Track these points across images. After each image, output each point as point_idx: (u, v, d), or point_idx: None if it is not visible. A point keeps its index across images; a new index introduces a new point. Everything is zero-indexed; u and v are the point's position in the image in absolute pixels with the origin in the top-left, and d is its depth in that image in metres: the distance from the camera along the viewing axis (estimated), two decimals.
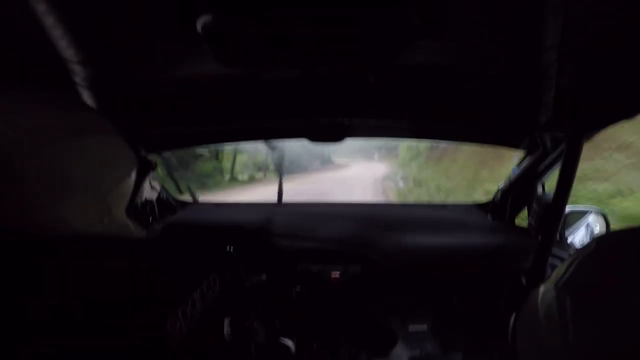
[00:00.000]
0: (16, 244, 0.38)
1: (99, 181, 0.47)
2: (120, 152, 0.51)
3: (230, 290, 0.51)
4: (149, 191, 0.63)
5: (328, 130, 1.15)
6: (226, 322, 0.52)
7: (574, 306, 0.30)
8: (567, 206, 0.88)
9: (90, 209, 0.46)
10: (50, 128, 0.43)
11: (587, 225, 1.14)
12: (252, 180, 11.52)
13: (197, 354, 0.42)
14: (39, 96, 0.45)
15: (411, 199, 8.26)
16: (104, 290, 0.38)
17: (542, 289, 0.35)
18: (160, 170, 1.41)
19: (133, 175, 0.53)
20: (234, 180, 10.88)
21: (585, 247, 0.34)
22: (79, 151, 0.45)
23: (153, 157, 1.31)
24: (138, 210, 0.56)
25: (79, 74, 0.63)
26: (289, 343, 0.91)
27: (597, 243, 0.34)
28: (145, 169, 0.57)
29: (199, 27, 0.54)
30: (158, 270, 0.44)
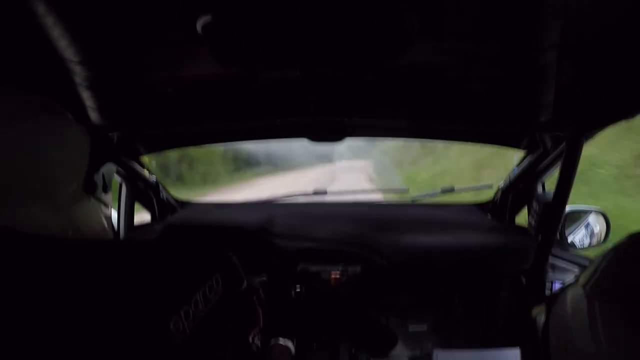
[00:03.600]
0: (16, 245, 0.38)
1: (48, 178, 0.41)
2: (72, 137, 0.45)
3: (233, 291, 0.51)
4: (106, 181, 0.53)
5: (328, 129, 1.15)
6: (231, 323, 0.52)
7: (607, 306, 0.29)
8: (567, 206, 0.88)
9: (41, 214, 0.41)
10: None
11: (587, 225, 1.14)
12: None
13: (200, 355, 0.42)
14: None
15: None
16: (106, 292, 0.38)
17: (572, 288, 0.34)
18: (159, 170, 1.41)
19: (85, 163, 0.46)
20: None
21: (617, 245, 0.32)
22: (13, 141, 0.38)
23: (150, 157, 1.31)
24: (95, 194, 0.50)
25: (79, 74, 0.63)
26: (289, 343, 0.91)
27: (630, 239, 0.32)
28: (102, 153, 0.50)
29: (198, 27, 0.54)
30: (161, 270, 0.44)
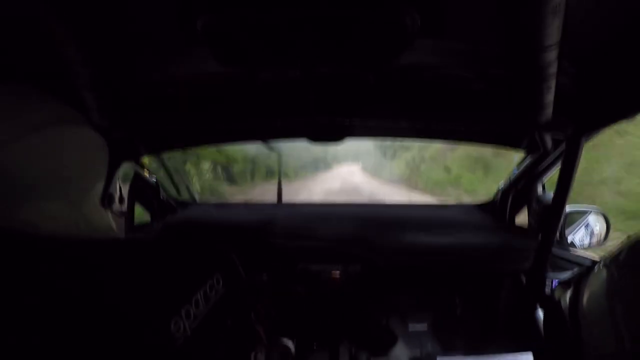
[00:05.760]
0: (18, 245, 0.38)
1: (67, 179, 0.45)
2: (90, 144, 0.49)
3: (233, 290, 0.51)
4: (124, 186, 0.60)
5: (328, 130, 1.15)
6: (229, 322, 0.52)
7: (626, 298, 0.29)
8: (567, 206, 0.88)
9: (59, 209, 0.44)
10: (5, 123, 0.40)
11: (587, 225, 1.14)
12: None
13: (200, 354, 0.42)
14: None
15: None
16: (107, 291, 0.38)
17: (600, 267, 0.34)
18: (159, 171, 1.42)
19: (104, 169, 0.51)
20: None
21: (630, 243, 0.32)
22: (42, 147, 0.42)
23: (151, 158, 1.31)
24: (112, 207, 0.54)
25: (79, 74, 0.63)
26: (289, 343, 0.91)
27: None
28: (117, 159, 0.55)
29: (199, 27, 0.54)
30: (161, 270, 0.44)
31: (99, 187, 0.51)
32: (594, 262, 0.37)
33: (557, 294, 0.41)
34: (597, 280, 0.33)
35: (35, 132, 0.43)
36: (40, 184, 0.43)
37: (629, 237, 0.33)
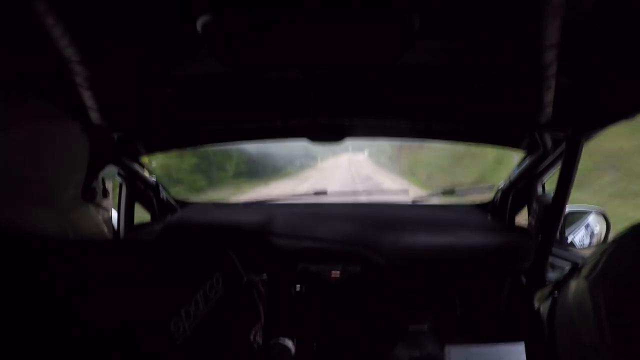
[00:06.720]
0: (17, 246, 0.38)
1: (51, 182, 0.43)
2: (75, 144, 0.46)
3: (233, 290, 0.51)
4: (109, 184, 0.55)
5: (328, 130, 1.15)
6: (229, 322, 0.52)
7: (611, 297, 0.30)
8: (567, 206, 0.88)
9: (43, 215, 0.42)
10: None
11: (587, 225, 1.14)
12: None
13: (200, 355, 0.42)
14: None
15: None
16: (105, 292, 0.38)
17: (576, 279, 0.35)
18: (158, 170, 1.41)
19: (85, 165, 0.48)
20: None
21: (620, 235, 0.33)
22: (20, 146, 0.40)
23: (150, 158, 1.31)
24: (101, 208, 0.52)
25: (79, 74, 0.63)
26: (289, 343, 0.91)
27: (634, 230, 0.33)
28: (103, 155, 0.51)
29: (198, 27, 0.54)
30: (161, 270, 0.44)
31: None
32: (582, 260, 0.38)
33: (545, 292, 0.42)
34: (584, 278, 0.33)
35: (13, 130, 0.40)
36: (17, 188, 0.40)
37: (612, 239, 0.34)
